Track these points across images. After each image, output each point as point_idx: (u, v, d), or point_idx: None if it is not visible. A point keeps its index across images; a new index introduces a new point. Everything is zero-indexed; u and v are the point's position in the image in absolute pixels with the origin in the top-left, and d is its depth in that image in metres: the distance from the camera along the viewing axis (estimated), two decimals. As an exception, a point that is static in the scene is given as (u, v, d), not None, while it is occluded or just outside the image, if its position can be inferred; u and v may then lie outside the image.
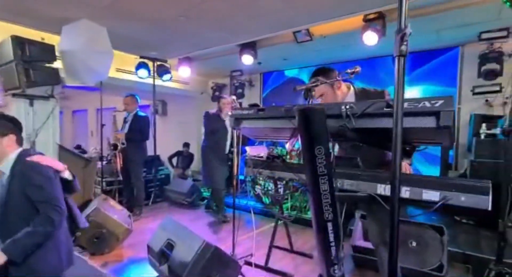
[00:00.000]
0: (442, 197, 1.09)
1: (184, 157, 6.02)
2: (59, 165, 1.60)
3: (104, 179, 4.02)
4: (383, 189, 1.23)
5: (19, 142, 1.56)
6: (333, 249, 1.31)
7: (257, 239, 2.95)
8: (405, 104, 1.03)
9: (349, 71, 1.49)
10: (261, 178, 3.85)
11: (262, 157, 1.63)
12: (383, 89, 1.59)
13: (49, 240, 1.46)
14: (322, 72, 1.66)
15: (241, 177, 5.77)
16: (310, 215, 3.50)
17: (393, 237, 0.87)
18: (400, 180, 0.85)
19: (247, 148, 3.00)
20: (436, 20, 3.40)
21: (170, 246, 1.94)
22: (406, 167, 1.45)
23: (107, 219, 2.53)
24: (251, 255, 2.52)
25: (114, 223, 2.55)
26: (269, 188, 3.73)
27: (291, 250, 2.64)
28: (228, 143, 3.73)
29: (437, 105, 0.96)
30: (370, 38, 3.39)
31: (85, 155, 3.51)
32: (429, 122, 0.97)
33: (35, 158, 1.50)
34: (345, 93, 1.73)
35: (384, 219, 1.74)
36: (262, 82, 6.30)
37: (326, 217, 1.25)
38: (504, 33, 3.55)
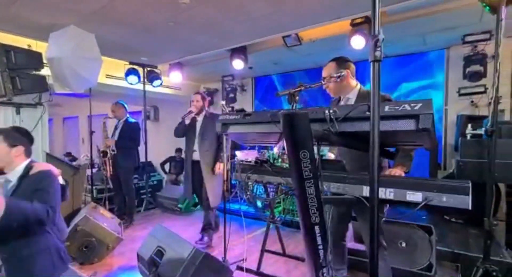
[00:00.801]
0: (424, 198, 1.11)
1: (176, 162, 5.98)
2: (56, 170, 1.66)
3: (94, 187, 3.96)
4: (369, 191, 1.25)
5: (28, 153, 1.68)
6: (321, 252, 1.31)
7: (250, 244, 2.95)
8: (386, 108, 1.05)
9: (335, 75, 1.52)
10: (250, 183, 3.85)
11: (250, 161, 1.64)
12: (386, 93, 1.64)
13: (41, 242, 1.55)
14: (337, 59, 1.84)
15: (234, 181, 5.79)
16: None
17: (373, 238, 0.88)
18: (378, 182, 0.86)
19: (237, 153, 3.01)
20: (421, 24, 3.47)
21: (160, 253, 1.92)
22: (399, 173, 1.47)
23: (97, 228, 2.50)
24: (243, 260, 2.51)
25: (103, 232, 2.52)
26: (260, 192, 3.73)
27: (284, 254, 2.64)
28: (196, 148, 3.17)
29: (416, 108, 0.98)
30: (358, 42, 3.45)
31: (75, 163, 3.47)
32: (409, 125, 0.99)
33: (45, 166, 1.63)
34: (351, 87, 1.81)
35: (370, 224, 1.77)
36: (254, 86, 6.33)
37: (313, 220, 1.26)
38: (487, 36, 3.65)
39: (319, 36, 3.99)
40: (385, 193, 1.21)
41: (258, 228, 3.42)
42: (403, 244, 2.14)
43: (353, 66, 1.80)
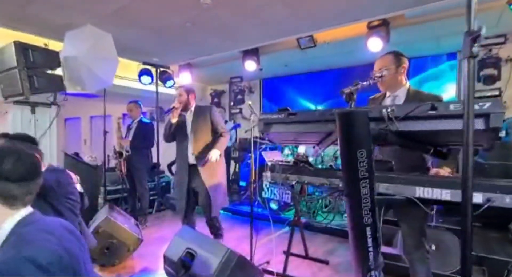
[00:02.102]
0: (486, 200, 1.09)
1: (184, 164, 5.93)
2: (73, 175, 1.61)
3: (106, 188, 3.91)
4: (422, 192, 1.23)
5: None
6: (371, 255, 1.29)
7: (268, 246, 2.91)
8: (451, 107, 1.04)
9: (377, 74, 1.50)
10: (267, 184, 3.82)
11: (289, 162, 1.61)
12: (439, 95, 1.63)
13: None
14: (395, 52, 1.76)
15: (243, 184, 5.75)
16: (321, 219, 3.50)
17: (466, 244, 0.87)
18: (472, 184, 0.85)
19: (263, 154, 2.98)
20: (438, 27, 3.49)
21: (190, 255, 1.88)
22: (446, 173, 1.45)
23: (118, 229, 2.45)
24: (267, 262, 2.48)
25: (124, 233, 2.47)
26: (274, 194, 3.70)
27: (306, 257, 2.61)
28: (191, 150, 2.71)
29: (485, 107, 0.97)
30: (375, 45, 3.45)
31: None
32: (477, 124, 0.97)
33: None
34: (402, 84, 1.76)
35: (416, 224, 1.75)
36: (261, 88, 6.32)
37: (365, 221, 1.24)
38: (502, 39, 3.68)
39: (333, 39, 4.00)
40: (441, 194, 1.19)
41: (274, 230, 3.37)
42: (433, 247, 2.12)
43: (407, 62, 1.77)
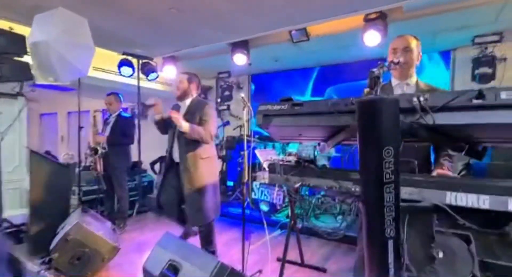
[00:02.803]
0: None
1: (168, 163, 5.62)
2: None
3: (80, 188, 3.57)
4: (454, 198, 1.04)
5: None
6: (391, 271, 1.09)
7: (261, 252, 2.70)
8: (503, 95, 0.84)
9: (395, 60, 1.31)
10: (257, 184, 3.60)
11: (290, 161, 1.39)
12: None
13: None
14: (415, 37, 1.62)
15: (230, 184, 5.49)
16: (314, 223, 3.31)
17: None
18: None
19: (257, 152, 2.74)
20: (435, 21, 3.37)
21: (173, 268, 1.63)
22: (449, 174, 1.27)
23: (91, 236, 2.16)
24: (260, 271, 2.26)
25: (99, 241, 2.18)
26: (264, 195, 3.48)
27: (302, 264, 2.41)
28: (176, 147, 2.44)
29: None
30: (372, 38, 3.29)
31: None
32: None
33: None
34: (414, 73, 1.60)
35: (427, 229, 1.57)
36: (250, 84, 6.08)
37: (387, 233, 1.03)
38: (497, 37, 3.61)
39: (327, 32, 3.81)
40: (478, 201, 1.00)
41: (264, 234, 3.15)
42: (440, 254, 1.95)
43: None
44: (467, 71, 3.98)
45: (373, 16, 3.31)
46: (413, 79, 1.58)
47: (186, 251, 1.70)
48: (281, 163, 1.38)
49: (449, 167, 1.42)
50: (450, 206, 1.05)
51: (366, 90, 1.77)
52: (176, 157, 2.42)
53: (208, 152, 2.45)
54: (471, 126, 0.89)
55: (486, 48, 3.77)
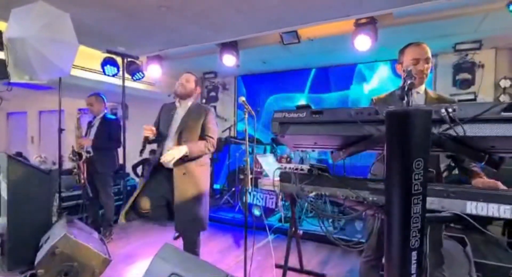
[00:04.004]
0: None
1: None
2: None
3: (60, 194, 3.35)
4: (475, 208, 1.05)
5: None
6: (413, 282, 1.09)
7: (257, 259, 2.65)
8: (532, 107, 0.85)
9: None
10: (249, 189, 3.54)
11: (302, 169, 1.36)
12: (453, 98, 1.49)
13: None
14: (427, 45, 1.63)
15: (217, 187, 5.40)
16: (306, 226, 3.30)
17: None
18: None
19: (259, 158, 2.68)
20: (420, 29, 3.49)
21: (177, 282, 1.55)
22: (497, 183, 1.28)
23: (80, 249, 2.01)
24: (259, 280, 2.21)
25: (88, 253, 2.03)
26: (256, 200, 3.43)
27: (302, 270, 2.39)
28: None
29: None
30: (363, 43, 3.34)
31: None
32: None
33: None
34: (423, 82, 1.61)
35: (437, 236, 1.60)
36: (236, 85, 6.01)
37: (412, 244, 1.02)
38: (477, 45, 3.79)
39: (317, 35, 3.84)
40: (498, 210, 1.01)
41: (257, 239, 3.10)
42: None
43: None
44: (448, 76, 4.16)
45: (363, 21, 3.36)
46: (422, 87, 1.61)
47: (190, 263, 1.61)
48: (294, 171, 1.34)
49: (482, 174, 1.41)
50: (470, 216, 1.06)
51: (375, 98, 1.78)
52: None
53: (206, 159, 2.34)
54: (497, 137, 0.90)
55: (466, 55, 3.95)
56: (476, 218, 1.07)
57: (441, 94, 1.63)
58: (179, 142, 2.21)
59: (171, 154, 2.06)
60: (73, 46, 2.92)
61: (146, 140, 2.23)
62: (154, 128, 2.24)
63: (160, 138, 2.31)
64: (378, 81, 4.77)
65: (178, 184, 2.18)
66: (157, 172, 2.31)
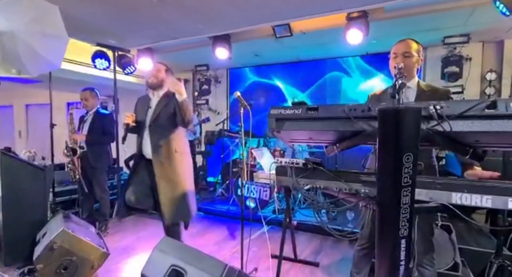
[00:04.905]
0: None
1: (144, 159, 5.41)
2: None
3: (54, 189, 3.34)
4: (460, 198, 1.12)
5: None
6: (401, 268, 1.16)
7: (253, 250, 2.72)
8: (513, 105, 0.91)
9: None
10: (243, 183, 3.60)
11: (298, 163, 1.41)
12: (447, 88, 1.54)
13: None
14: (415, 40, 1.66)
15: (211, 180, 5.43)
16: (299, 217, 3.38)
17: None
18: None
19: (254, 153, 2.72)
20: (410, 22, 3.55)
21: (177, 273, 1.60)
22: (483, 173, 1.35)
23: (78, 243, 2.03)
24: (256, 269, 2.28)
25: (86, 248, 2.06)
26: (251, 192, 3.49)
27: (295, 259, 2.47)
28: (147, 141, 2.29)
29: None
30: (355, 37, 3.38)
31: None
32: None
33: None
34: (415, 75, 1.66)
35: (428, 227, 1.68)
36: (228, 78, 5.99)
37: (401, 233, 1.09)
38: (465, 38, 3.88)
39: (310, 29, 3.86)
40: (481, 200, 1.09)
41: (254, 230, 3.18)
42: (426, 244, 2.11)
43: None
44: (437, 69, 4.25)
45: (355, 15, 3.39)
46: (414, 81, 1.65)
47: (189, 255, 1.66)
48: (291, 165, 1.39)
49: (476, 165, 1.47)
50: (456, 206, 1.13)
51: (371, 94, 1.83)
52: (148, 153, 2.28)
53: (182, 147, 2.35)
54: (481, 133, 0.96)
55: (454, 48, 4.04)
56: (461, 207, 1.15)
57: (433, 85, 1.68)
58: (153, 129, 2.27)
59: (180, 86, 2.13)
60: (63, 39, 2.87)
61: (128, 128, 2.28)
62: (134, 115, 2.32)
63: (138, 129, 2.36)
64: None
65: (158, 172, 2.22)
66: (140, 163, 2.37)
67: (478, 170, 1.38)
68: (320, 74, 5.17)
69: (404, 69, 1.57)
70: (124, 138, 2.30)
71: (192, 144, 4.88)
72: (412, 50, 1.60)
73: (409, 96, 1.61)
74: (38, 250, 2.03)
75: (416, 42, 1.65)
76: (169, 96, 2.33)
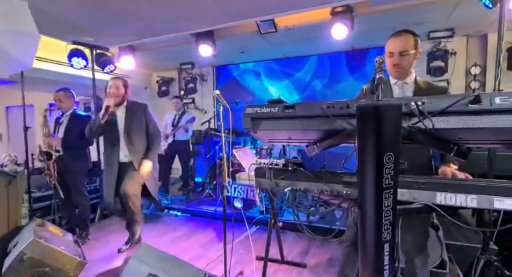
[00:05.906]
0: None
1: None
2: None
3: (31, 195, 3.19)
4: (444, 198, 1.07)
5: None
6: (385, 273, 1.11)
7: (239, 252, 2.65)
8: (497, 100, 0.86)
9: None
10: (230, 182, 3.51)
11: (277, 164, 1.33)
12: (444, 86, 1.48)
13: None
14: (414, 33, 1.57)
15: (198, 180, 5.32)
16: (287, 216, 3.32)
17: None
18: None
19: (235, 153, 2.64)
20: (395, 17, 3.52)
21: (154, 283, 1.51)
22: (457, 173, 1.31)
23: (51, 253, 1.91)
24: (241, 273, 2.21)
25: (61, 257, 1.94)
26: (238, 192, 3.41)
27: (282, 261, 2.41)
28: (125, 152, 2.67)
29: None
30: (340, 31, 3.33)
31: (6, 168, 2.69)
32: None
33: None
34: (412, 70, 1.58)
35: (419, 229, 1.63)
36: (215, 76, 5.88)
37: (384, 237, 1.03)
38: (449, 33, 3.88)
39: (295, 24, 3.78)
40: (466, 200, 1.04)
41: (239, 231, 3.10)
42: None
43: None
44: (423, 64, 4.24)
45: (339, 9, 3.33)
46: (412, 77, 1.57)
47: (167, 263, 1.58)
48: (270, 167, 1.32)
49: (454, 164, 1.41)
50: (440, 206, 1.08)
51: (365, 86, 1.75)
52: (123, 157, 2.63)
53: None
54: (464, 129, 0.90)
55: (440, 42, 4.03)
56: (446, 207, 1.09)
57: (431, 82, 1.62)
58: (129, 142, 2.59)
59: (147, 167, 2.61)
60: (34, 37, 2.72)
61: (107, 110, 2.47)
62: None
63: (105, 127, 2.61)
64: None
65: (128, 175, 2.61)
66: (111, 169, 2.67)
67: (451, 169, 1.34)
68: (306, 70, 5.12)
69: (402, 69, 1.52)
70: (102, 120, 2.48)
71: (187, 144, 4.78)
72: (409, 47, 1.50)
73: (406, 92, 1.55)
74: (7, 262, 1.90)
75: (413, 34, 1.55)
76: (133, 107, 2.69)
